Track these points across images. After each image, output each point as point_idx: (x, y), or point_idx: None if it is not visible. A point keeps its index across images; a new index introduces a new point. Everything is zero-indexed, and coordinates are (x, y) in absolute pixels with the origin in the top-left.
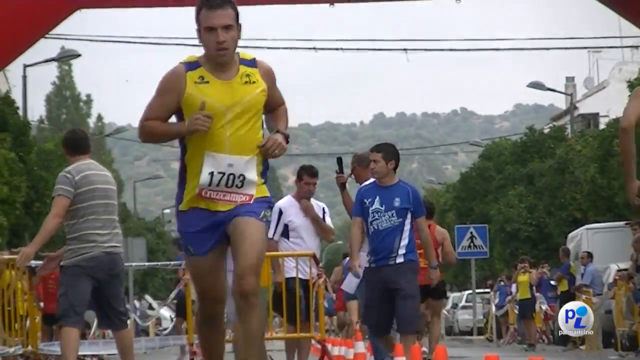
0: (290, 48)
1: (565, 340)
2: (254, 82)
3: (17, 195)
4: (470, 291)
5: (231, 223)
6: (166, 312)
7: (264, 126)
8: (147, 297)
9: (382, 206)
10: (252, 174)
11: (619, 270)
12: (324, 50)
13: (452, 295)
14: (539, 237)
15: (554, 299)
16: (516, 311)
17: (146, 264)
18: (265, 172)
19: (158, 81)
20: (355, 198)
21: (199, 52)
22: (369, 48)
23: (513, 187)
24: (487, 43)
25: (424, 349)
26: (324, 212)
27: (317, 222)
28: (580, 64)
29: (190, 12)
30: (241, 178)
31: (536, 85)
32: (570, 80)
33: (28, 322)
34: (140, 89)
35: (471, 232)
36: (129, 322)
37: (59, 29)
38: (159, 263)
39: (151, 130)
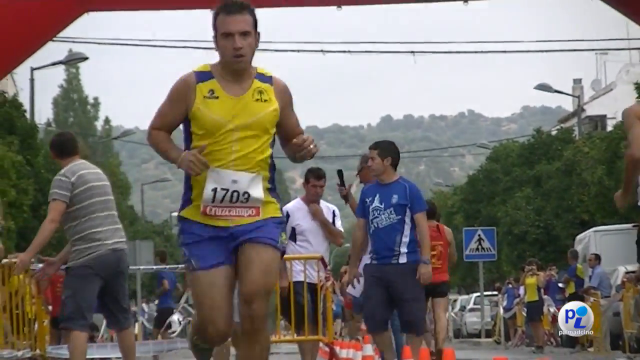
0: (298, 51)
1: (573, 343)
2: (265, 101)
3: (24, 199)
4: (478, 294)
5: (245, 245)
6: (174, 316)
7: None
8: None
9: (381, 204)
10: (258, 191)
11: (626, 273)
12: (332, 53)
13: (460, 298)
14: (546, 240)
15: (561, 301)
16: (524, 313)
17: (154, 267)
18: (273, 189)
19: (165, 84)
20: (359, 198)
21: (208, 56)
22: (377, 50)
23: (520, 189)
24: (494, 45)
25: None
26: (334, 215)
27: (326, 226)
28: (588, 66)
29: (197, 15)
30: (246, 195)
31: (543, 87)
32: (577, 82)
33: (36, 325)
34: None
35: (479, 235)
36: (137, 325)
37: (66, 32)
38: (167, 266)
39: (155, 142)
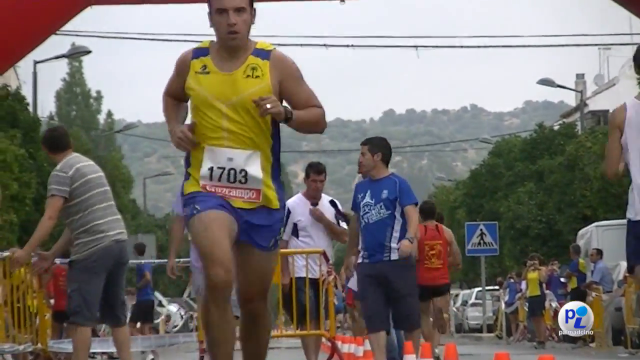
0: (301, 45)
1: (575, 338)
2: (257, 77)
3: (27, 192)
4: (480, 288)
5: (240, 246)
6: (175, 309)
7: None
8: (157, 294)
9: (372, 199)
10: (255, 170)
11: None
12: (335, 47)
13: (462, 293)
14: (548, 234)
15: (563, 296)
16: (526, 308)
17: (156, 261)
18: (276, 172)
19: (168, 78)
20: (353, 194)
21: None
22: (379, 45)
23: (523, 184)
24: (497, 40)
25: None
26: (335, 205)
27: (330, 227)
28: (591, 61)
29: (201, 8)
30: (243, 173)
31: (546, 82)
32: (580, 77)
33: (38, 319)
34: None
35: (481, 229)
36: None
37: (69, 25)
38: (143, 261)
39: (163, 108)
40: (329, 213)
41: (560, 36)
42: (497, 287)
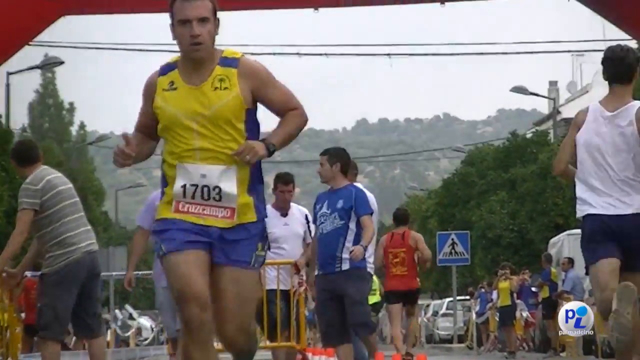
0: (274, 54)
1: (545, 347)
2: (225, 88)
3: None
4: (451, 298)
5: (218, 269)
6: (146, 322)
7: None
8: (128, 307)
9: (328, 209)
10: (230, 186)
11: None
12: (308, 56)
13: (433, 303)
14: (520, 243)
15: (534, 306)
16: (497, 318)
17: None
18: (255, 186)
19: (141, 89)
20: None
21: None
22: (353, 53)
23: (495, 193)
24: (469, 47)
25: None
26: (307, 220)
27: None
28: (564, 68)
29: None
30: (217, 190)
31: (519, 90)
32: (553, 84)
33: (8, 333)
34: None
35: (452, 239)
36: (109, 332)
37: (42, 36)
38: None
39: None
40: (300, 223)
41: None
42: (468, 297)
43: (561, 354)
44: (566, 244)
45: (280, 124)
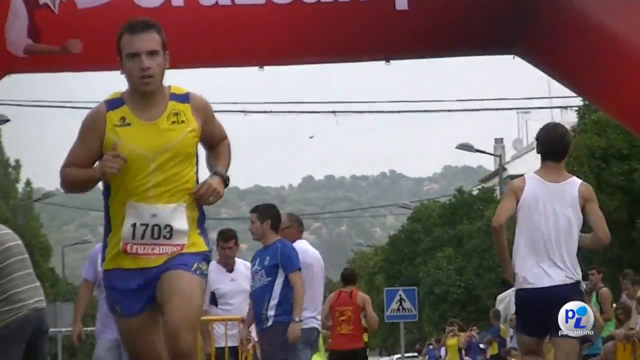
0: (219, 111)
1: None
2: (182, 122)
3: None
4: (399, 355)
5: (160, 279)
6: None
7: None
8: None
9: (259, 267)
10: (181, 223)
11: None
12: (253, 113)
13: None
14: (468, 299)
15: None
16: None
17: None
18: (201, 221)
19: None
20: None
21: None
22: (298, 111)
23: (442, 249)
24: (415, 105)
25: None
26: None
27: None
28: (510, 125)
29: (117, 75)
30: (168, 229)
31: (465, 147)
32: (499, 141)
33: None
34: None
35: (400, 295)
36: None
37: None
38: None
39: (68, 176)
40: (246, 278)
41: (479, 100)
42: (416, 354)
43: None
44: (514, 300)
45: (219, 155)
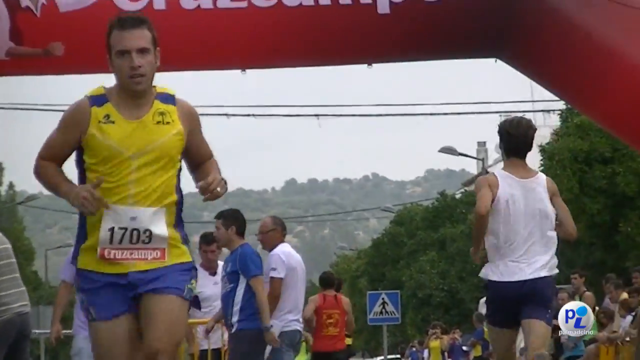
0: (201, 114)
1: None
2: (168, 123)
3: None
4: (382, 357)
5: (146, 296)
6: None
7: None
8: None
9: (223, 273)
10: (161, 228)
11: None
12: (236, 117)
13: None
14: (450, 303)
15: None
16: None
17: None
18: (180, 225)
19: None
20: None
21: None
22: (281, 114)
23: (425, 253)
24: (398, 108)
25: None
26: None
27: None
28: (492, 129)
29: (109, 77)
30: (147, 233)
31: (447, 150)
32: (481, 144)
33: None
34: None
35: (383, 299)
36: None
37: None
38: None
39: (44, 175)
40: None
41: (461, 104)
42: (399, 356)
43: None
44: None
45: (211, 167)
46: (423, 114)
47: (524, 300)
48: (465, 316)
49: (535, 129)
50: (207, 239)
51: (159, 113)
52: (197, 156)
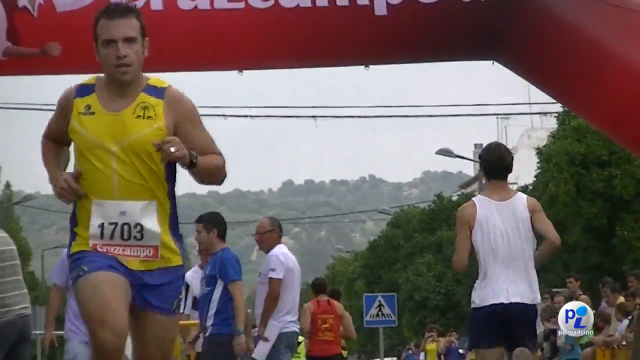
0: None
1: None
2: (149, 117)
3: None
4: (378, 359)
5: (139, 311)
6: None
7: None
8: None
9: (202, 276)
10: (152, 223)
11: None
12: (233, 117)
13: None
14: (447, 306)
15: None
16: None
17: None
18: (174, 222)
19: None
20: None
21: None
22: (278, 115)
23: (421, 255)
24: (395, 110)
25: None
26: None
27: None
28: (489, 131)
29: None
30: (138, 228)
31: (445, 152)
32: (478, 147)
33: None
34: None
35: (379, 301)
36: None
37: None
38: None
39: (42, 155)
40: None
41: (459, 106)
42: (395, 359)
43: None
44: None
45: (207, 156)
46: (420, 115)
47: (512, 324)
48: (461, 319)
49: (512, 155)
50: None
51: (141, 107)
52: (193, 148)
